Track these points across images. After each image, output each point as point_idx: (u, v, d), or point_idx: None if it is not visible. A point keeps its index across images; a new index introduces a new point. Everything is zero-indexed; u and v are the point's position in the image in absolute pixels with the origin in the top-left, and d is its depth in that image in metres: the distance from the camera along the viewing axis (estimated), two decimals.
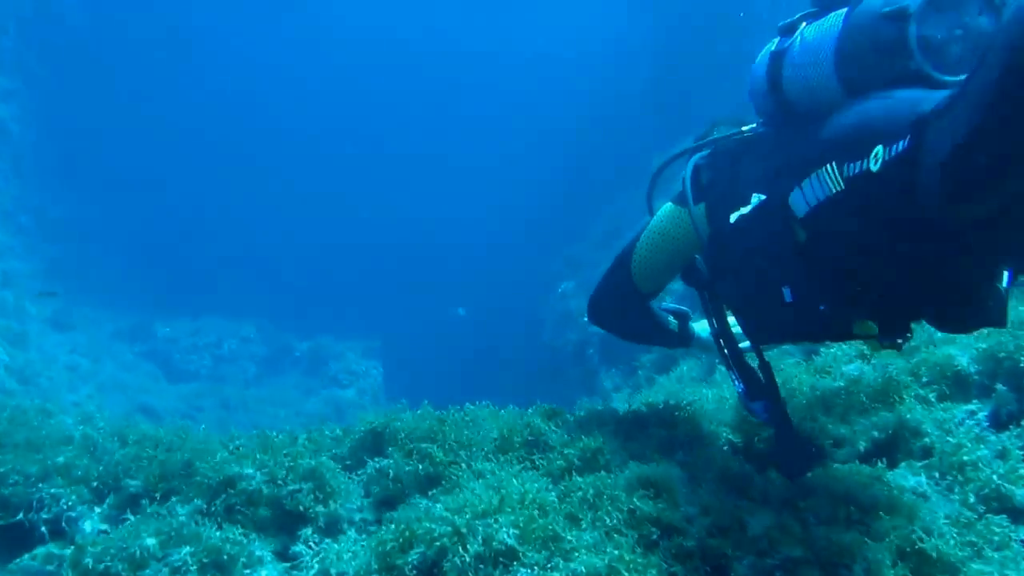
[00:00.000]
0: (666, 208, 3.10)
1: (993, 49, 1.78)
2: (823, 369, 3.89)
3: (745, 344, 3.04)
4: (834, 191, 2.26)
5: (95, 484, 3.29)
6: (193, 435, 3.57)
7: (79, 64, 22.93)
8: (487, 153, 31.35)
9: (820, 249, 2.40)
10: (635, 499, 2.48)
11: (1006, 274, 2.23)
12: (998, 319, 2.22)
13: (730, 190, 2.81)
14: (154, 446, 3.46)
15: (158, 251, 23.07)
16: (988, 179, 1.80)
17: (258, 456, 3.33)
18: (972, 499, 2.70)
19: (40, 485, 3.21)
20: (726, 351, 2.99)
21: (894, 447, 3.12)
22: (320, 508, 3.10)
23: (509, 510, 2.48)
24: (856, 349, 4.05)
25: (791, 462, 2.82)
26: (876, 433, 3.18)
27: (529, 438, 3.24)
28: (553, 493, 2.62)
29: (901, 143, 2.04)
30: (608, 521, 2.42)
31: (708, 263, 2.95)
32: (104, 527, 3.08)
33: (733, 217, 2.67)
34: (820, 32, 2.46)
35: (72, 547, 2.83)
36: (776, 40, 2.67)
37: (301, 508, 3.09)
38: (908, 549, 2.46)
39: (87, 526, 3.06)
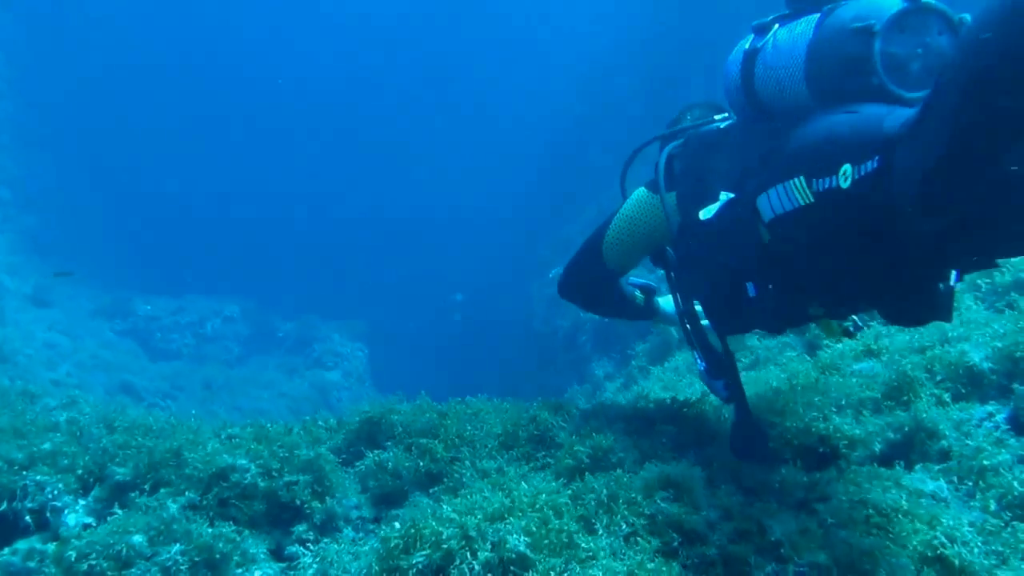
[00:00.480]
0: (639, 193, 3.20)
1: (949, 73, 1.94)
2: (831, 365, 3.81)
3: (707, 322, 3.11)
4: (802, 203, 2.37)
5: (80, 472, 3.14)
6: (184, 423, 3.42)
7: (61, 36, 22.46)
8: (479, 136, 31.10)
9: (783, 250, 2.52)
10: (658, 500, 2.38)
11: (953, 273, 2.39)
12: (945, 315, 2.41)
13: (701, 182, 2.90)
14: (143, 433, 3.31)
15: (139, 227, 22.76)
16: (959, 196, 1.95)
17: (252, 446, 3.20)
18: (993, 506, 2.62)
19: (25, 473, 3.06)
20: (689, 329, 3.08)
21: (910, 449, 3.03)
22: (316, 504, 2.98)
23: (520, 513, 2.37)
24: (863, 344, 3.98)
25: (744, 445, 2.90)
26: (891, 434, 3.10)
27: (535, 433, 3.14)
28: (565, 495, 2.50)
29: (870, 163, 2.17)
30: (624, 527, 2.31)
31: (677, 253, 3.07)
32: (89, 520, 2.94)
33: (702, 214, 2.74)
34: (792, 37, 2.55)
35: (55, 543, 2.69)
36: (750, 38, 2.74)
37: (298, 502, 2.97)
38: (930, 555, 2.38)
39: (71, 519, 2.92)
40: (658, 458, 2.75)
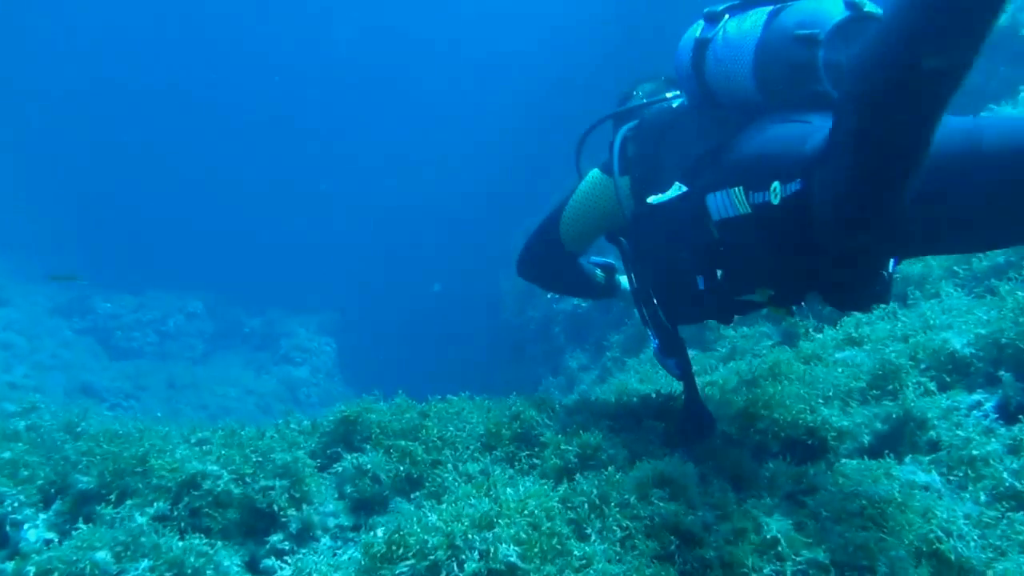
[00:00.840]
0: (593, 175, 3.22)
1: (844, 99, 2.03)
2: (813, 355, 3.77)
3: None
4: (742, 212, 2.46)
5: (41, 483, 2.98)
6: (151, 427, 3.26)
7: (12, 21, 21.74)
8: (446, 125, 30.78)
9: (730, 247, 2.58)
10: (652, 500, 2.29)
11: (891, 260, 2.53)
12: (886, 299, 2.57)
13: (654, 169, 2.95)
14: (108, 439, 3.15)
15: (97, 221, 22.16)
16: (872, 219, 2.07)
17: (223, 452, 3.07)
18: (983, 497, 2.59)
19: None
20: (644, 309, 3.13)
21: (899, 440, 3.00)
22: (293, 512, 2.85)
23: (508, 520, 2.27)
24: (844, 333, 3.95)
25: (693, 428, 2.96)
26: (880, 425, 3.07)
27: (518, 431, 3.04)
28: (554, 498, 2.41)
29: (793, 185, 2.28)
30: (618, 531, 2.22)
31: (629, 240, 3.13)
32: (51, 535, 2.78)
33: (653, 199, 2.77)
34: (741, 34, 2.58)
35: (12, 561, 2.53)
36: (700, 25, 2.76)
37: (276, 507, 2.84)
38: (926, 549, 2.34)
39: (31, 534, 2.76)
40: (649, 455, 2.67)
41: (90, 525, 2.70)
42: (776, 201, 2.32)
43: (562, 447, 2.78)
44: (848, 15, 2.34)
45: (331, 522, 2.98)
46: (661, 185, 2.81)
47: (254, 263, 22.10)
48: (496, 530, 2.26)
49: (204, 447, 3.16)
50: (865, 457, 2.93)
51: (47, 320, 14.83)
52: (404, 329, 18.17)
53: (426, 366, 14.96)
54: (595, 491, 2.39)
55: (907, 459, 2.90)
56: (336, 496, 3.08)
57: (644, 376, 5.73)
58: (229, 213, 25.62)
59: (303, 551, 2.75)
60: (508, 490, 2.48)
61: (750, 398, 3.27)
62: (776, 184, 2.33)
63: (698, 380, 4.28)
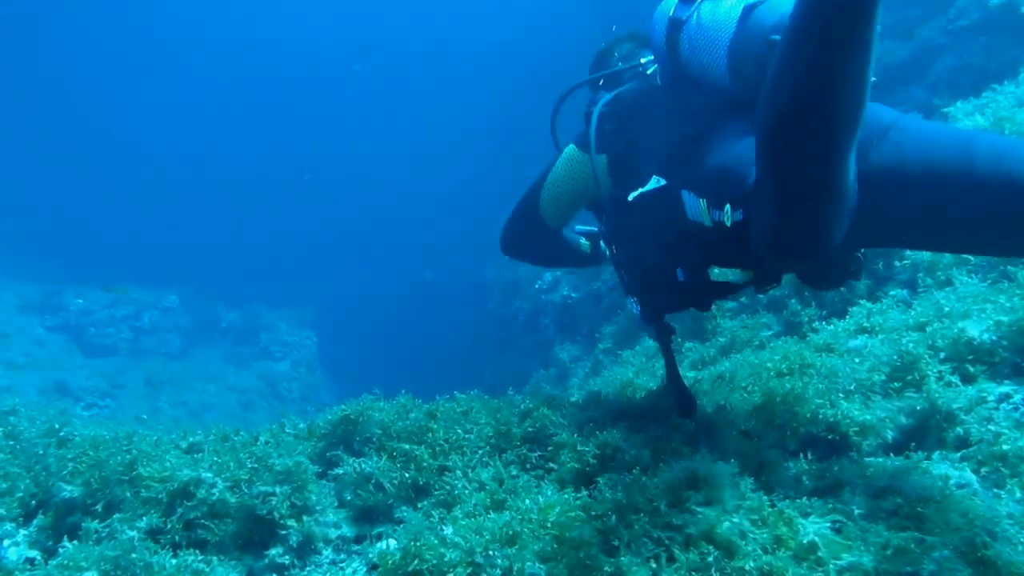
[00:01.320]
0: (570, 150, 3.20)
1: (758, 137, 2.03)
2: (826, 347, 3.66)
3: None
4: (706, 224, 2.49)
5: (21, 495, 2.79)
6: (139, 433, 3.08)
7: None
8: (429, 115, 30.40)
9: (704, 244, 2.57)
10: (686, 506, 2.15)
11: None
12: (856, 275, 2.68)
13: (630, 149, 2.95)
14: (93, 446, 2.96)
15: (65, 213, 21.62)
16: (804, 251, 2.14)
17: (216, 459, 2.89)
18: (1019, 494, 2.48)
19: None
20: (624, 275, 3.12)
21: (925, 435, 2.89)
22: (292, 523, 2.68)
23: (531, 533, 2.13)
24: (855, 324, 3.85)
25: (677, 406, 2.97)
26: (904, 419, 2.96)
27: (529, 431, 2.89)
28: (576, 507, 2.27)
29: (739, 212, 2.34)
30: (650, 543, 2.08)
31: (607, 225, 3.11)
32: (33, 553, 2.59)
33: (632, 195, 2.75)
34: (715, 23, 2.52)
35: None
36: (674, 3, 2.69)
37: (276, 516, 2.67)
38: (969, 553, 2.22)
39: (12, 553, 2.57)
40: (672, 453, 2.53)
41: (75, 542, 2.52)
42: (728, 223, 2.37)
43: (579, 448, 2.64)
44: None
45: (332, 533, 2.81)
46: (637, 168, 2.82)
47: (231, 256, 21.72)
48: (518, 544, 2.12)
49: (195, 454, 2.99)
50: (891, 454, 2.81)
51: (17, 318, 14.41)
52: (386, 322, 17.95)
53: (410, 359, 14.80)
54: (621, 497, 2.25)
55: (935, 455, 2.78)
56: (336, 504, 2.91)
57: (640, 369, 5.61)
58: (204, 205, 25.15)
59: (307, 567, 2.58)
60: (527, 500, 2.34)
61: (767, 393, 3.15)
62: (728, 207, 2.37)
63: (702, 372, 4.19)
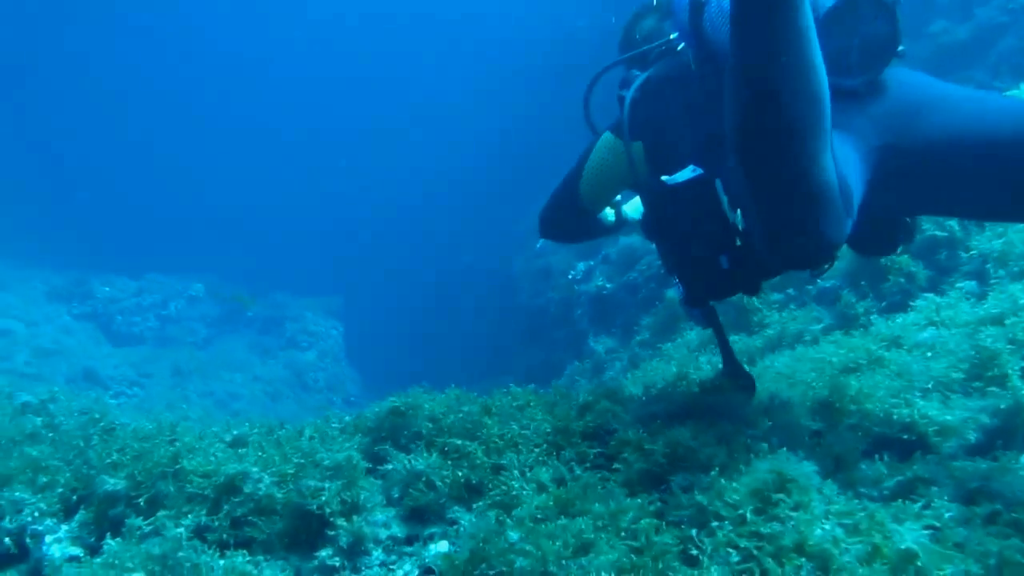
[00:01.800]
0: (606, 138, 3.14)
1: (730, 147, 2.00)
2: (893, 340, 3.48)
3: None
4: (740, 226, 2.47)
5: (62, 490, 2.69)
6: (183, 425, 2.96)
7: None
8: (455, 103, 30.13)
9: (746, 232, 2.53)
10: (772, 513, 1.99)
11: None
12: (908, 240, 2.76)
13: (666, 134, 2.89)
14: (136, 438, 2.85)
15: (92, 202, 21.72)
16: (803, 258, 2.14)
17: (260, 453, 2.77)
18: None
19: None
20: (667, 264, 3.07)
21: (1012, 436, 2.71)
22: (342, 522, 2.56)
23: (605, 541, 1.98)
24: (925, 318, 3.66)
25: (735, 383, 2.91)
26: (987, 419, 2.78)
27: (591, 425, 2.74)
28: (649, 512, 2.12)
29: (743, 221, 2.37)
30: (734, 553, 1.92)
31: (645, 204, 3.05)
32: (76, 551, 2.48)
33: (668, 180, 2.69)
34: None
35: None
36: None
37: (327, 511, 2.54)
38: None
39: (55, 551, 2.46)
40: (750, 452, 2.37)
41: (119, 540, 2.41)
42: (742, 227, 2.39)
43: (646, 447, 2.48)
44: (835, 3, 2.27)
45: (382, 533, 2.67)
46: (674, 155, 2.76)
47: (256, 245, 21.75)
48: (592, 553, 1.97)
49: (240, 448, 2.87)
50: (977, 458, 2.63)
51: (45, 305, 14.46)
52: (412, 313, 17.83)
53: (436, 351, 14.68)
54: (702, 501, 2.10)
55: (1022, 458, 2.61)
56: (384, 503, 2.78)
57: (682, 362, 5.42)
58: (229, 194, 25.19)
59: (356, 570, 2.45)
60: (597, 504, 2.19)
61: (834, 390, 2.98)
62: (739, 212, 2.38)
63: (755, 368, 4.02)
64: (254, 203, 25.32)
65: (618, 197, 3.59)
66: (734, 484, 2.13)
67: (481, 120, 26.05)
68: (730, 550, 1.94)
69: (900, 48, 2.35)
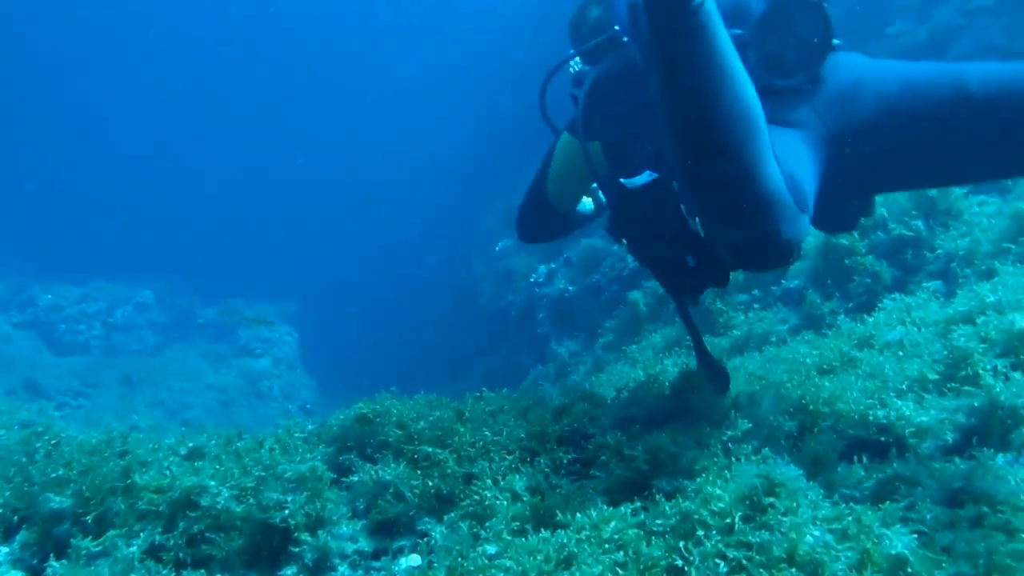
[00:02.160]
0: (564, 139, 3.15)
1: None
2: (865, 340, 3.46)
3: None
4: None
5: (0, 511, 2.50)
6: (134, 437, 2.79)
7: None
8: (411, 100, 29.79)
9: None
10: (763, 518, 1.92)
11: None
12: (869, 212, 2.88)
13: (621, 133, 2.89)
14: (82, 452, 2.67)
15: (32, 206, 20.94)
16: (766, 265, 2.22)
17: (218, 467, 2.62)
18: None
19: None
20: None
21: (987, 435, 2.69)
22: (306, 536, 2.42)
23: (588, 554, 1.89)
24: (896, 318, 3.65)
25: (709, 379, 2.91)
26: (963, 419, 2.75)
27: (567, 429, 2.65)
28: (633, 523, 2.03)
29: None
30: (723, 565, 1.84)
31: (610, 220, 2.98)
32: (18, 575, 2.30)
33: (627, 183, 2.71)
34: None
35: None
36: None
37: (292, 524, 2.40)
38: None
39: None
40: (733, 455, 2.31)
41: (64, 562, 2.24)
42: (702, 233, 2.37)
43: (626, 452, 2.40)
44: (765, 9, 2.35)
45: (348, 547, 2.55)
46: (633, 155, 2.78)
47: (207, 250, 21.16)
48: (575, 567, 1.88)
49: (196, 460, 2.71)
50: (955, 458, 2.60)
51: None
52: (368, 317, 17.54)
53: (395, 355, 14.44)
54: (688, 508, 2.02)
55: (999, 457, 2.59)
56: (349, 515, 2.65)
57: (648, 365, 5.37)
58: (178, 197, 24.51)
59: None
60: (577, 514, 2.10)
61: (808, 392, 2.94)
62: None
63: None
64: (203, 205, 24.67)
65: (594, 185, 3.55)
66: (718, 491, 2.05)
67: (440, 119, 25.83)
68: (718, 561, 1.86)
69: (836, 42, 2.42)
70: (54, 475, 2.50)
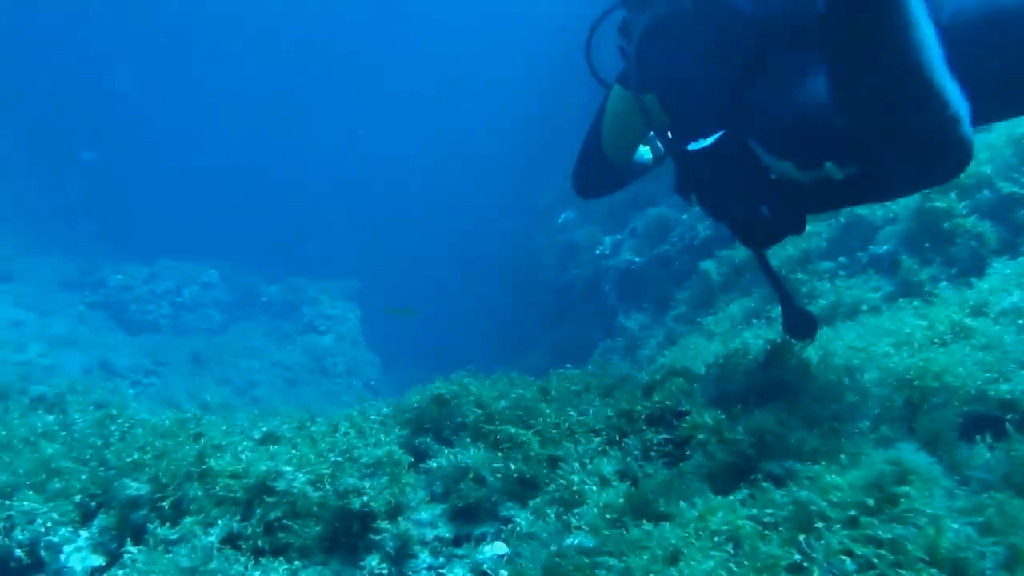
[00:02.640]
0: (617, 92, 3.05)
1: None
2: (977, 308, 3.18)
3: None
4: (798, 180, 2.36)
5: (78, 497, 2.45)
6: (207, 420, 2.72)
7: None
8: (473, 76, 29.56)
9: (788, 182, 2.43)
10: (891, 512, 1.71)
11: None
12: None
13: (677, 83, 2.76)
14: (155, 434, 2.61)
15: (100, 187, 21.44)
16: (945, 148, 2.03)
17: (293, 452, 2.52)
18: None
19: (7, 502, 2.36)
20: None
21: None
22: (386, 524, 2.31)
23: (696, 548, 1.71)
24: (1015, 281, 3.35)
25: (796, 328, 2.77)
26: None
27: (658, 407, 2.47)
28: (743, 514, 1.84)
29: (850, 168, 2.24)
30: (848, 562, 1.65)
31: (678, 179, 2.88)
32: (98, 560, 2.25)
33: (693, 146, 2.62)
34: None
35: None
36: None
37: (371, 508, 2.29)
38: None
39: (76, 561, 2.23)
40: (844, 436, 2.09)
41: (143, 549, 2.17)
42: (839, 176, 2.26)
43: (726, 435, 2.21)
44: None
45: (429, 534, 2.43)
46: (694, 109, 2.68)
47: (269, 229, 21.43)
48: (682, 563, 1.71)
49: (271, 445, 2.62)
50: None
51: (57, 294, 14.27)
52: (430, 293, 17.50)
53: (458, 331, 14.39)
54: (798, 499, 1.82)
55: None
56: (428, 500, 2.53)
57: (726, 337, 5.13)
58: (240, 178, 24.84)
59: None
60: (681, 503, 1.92)
61: (918, 364, 2.69)
62: (829, 164, 2.25)
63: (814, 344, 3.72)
64: (266, 185, 24.98)
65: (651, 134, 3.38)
66: (837, 479, 1.85)
67: (501, 95, 25.55)
68: (844, 558, 1.67)
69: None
70: (129, 459, 2.44)
